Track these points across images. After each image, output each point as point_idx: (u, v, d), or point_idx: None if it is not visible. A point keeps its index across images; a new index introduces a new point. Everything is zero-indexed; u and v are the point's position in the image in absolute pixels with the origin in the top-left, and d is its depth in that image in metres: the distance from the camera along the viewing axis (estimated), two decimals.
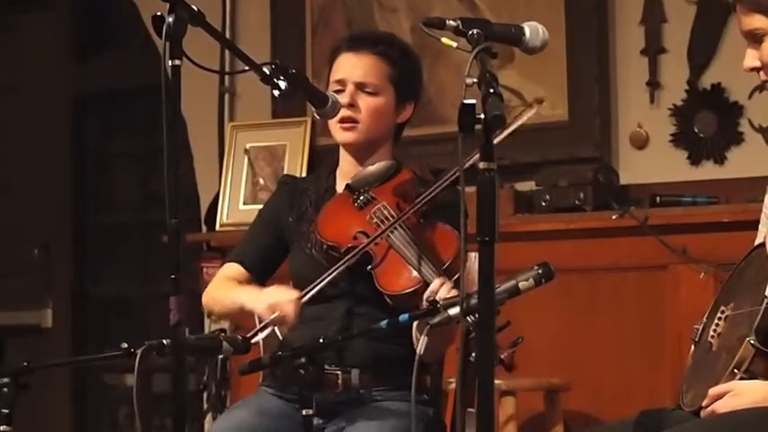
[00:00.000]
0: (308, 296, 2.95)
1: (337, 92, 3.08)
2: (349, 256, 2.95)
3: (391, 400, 3.00)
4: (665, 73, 4.69)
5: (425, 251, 2.91)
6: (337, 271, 2.94)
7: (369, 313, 2.99)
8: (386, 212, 3.01)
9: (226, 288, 3.12)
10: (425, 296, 2.80)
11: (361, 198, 3.06)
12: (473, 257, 2.83)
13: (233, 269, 3.17)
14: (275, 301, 2.93)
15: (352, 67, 3.09)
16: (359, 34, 3.31)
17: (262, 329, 2.90)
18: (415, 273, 2.90)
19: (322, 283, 2.95)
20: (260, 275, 3.17)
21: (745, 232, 2.86)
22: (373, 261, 2.95)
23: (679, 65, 4.65)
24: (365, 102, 3.08)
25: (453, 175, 2.92)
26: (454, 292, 2.77)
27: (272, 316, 2.90)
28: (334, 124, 3.10)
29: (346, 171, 3.15)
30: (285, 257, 3.18)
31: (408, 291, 2.89)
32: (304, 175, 5.03)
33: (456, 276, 2.84)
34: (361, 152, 3.12)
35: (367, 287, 2.97)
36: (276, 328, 3.16)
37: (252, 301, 2.97)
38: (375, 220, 3.00)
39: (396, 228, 2.95)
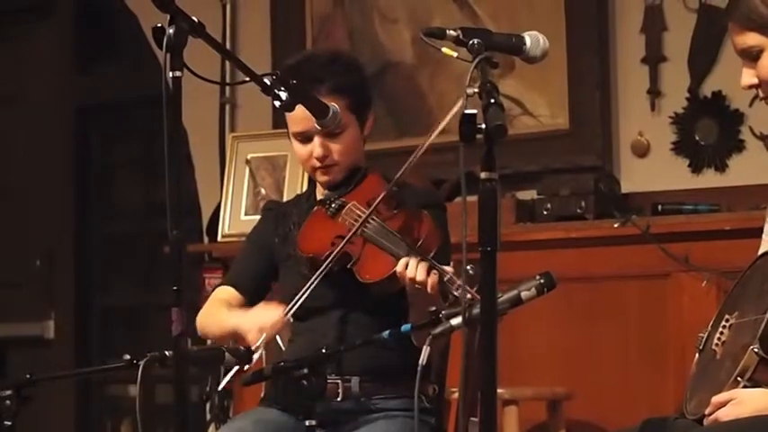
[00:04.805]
0: (294, 308, 2.93)
1: (302, 141, 3.08)
2: (328, 260, 2.94)
3: (392, 408, 2.99)
4: (666, 81, 4.69)
5: (399, 234, 2.91)
6: (318, 278, 2.92)
7: (361, 320, 3.00)
8: (357, 211, 3.00)
9: (218, 312, 3.10)
10: (398, 272, 2.79)
11: (333, 206, 3.05)
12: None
13: (226, 292, 3.16)
14: (262, 322, 2.90)
15: (308, 117, 3.00)
16: (299, 73, 2.95)
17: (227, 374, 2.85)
18: (391, 257, 2.88)
19: (306, 293, 2.93)
20: (252, 297, 3.16)
21: (748, 240, 2.86)
22: (352, 259, 2.95)
23: (680, 73, 4.65)
24: (336, 145, 3.06)
25: (419, 152, 2.90)
26: (424, 266, 2.77)
27: (261, 341, 2.87)
28: (311, 170, 3.11)
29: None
30: (276, 279, 3.19)
31: (387, 275, 2.87)
32: (305, 188, 5.03)
33: (431, 254, 2.84)
34: (343, 180, 3.12)
35: (355, 294, 2.97)
36: (279, 339, 3.16)
37: (241, 324, 2.93)
38: (348, 221, 3.00)
39: (369, 222, 2.95)
